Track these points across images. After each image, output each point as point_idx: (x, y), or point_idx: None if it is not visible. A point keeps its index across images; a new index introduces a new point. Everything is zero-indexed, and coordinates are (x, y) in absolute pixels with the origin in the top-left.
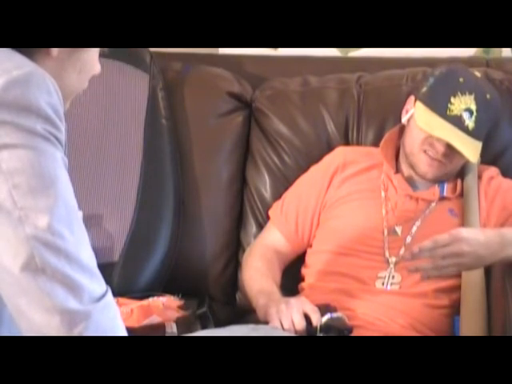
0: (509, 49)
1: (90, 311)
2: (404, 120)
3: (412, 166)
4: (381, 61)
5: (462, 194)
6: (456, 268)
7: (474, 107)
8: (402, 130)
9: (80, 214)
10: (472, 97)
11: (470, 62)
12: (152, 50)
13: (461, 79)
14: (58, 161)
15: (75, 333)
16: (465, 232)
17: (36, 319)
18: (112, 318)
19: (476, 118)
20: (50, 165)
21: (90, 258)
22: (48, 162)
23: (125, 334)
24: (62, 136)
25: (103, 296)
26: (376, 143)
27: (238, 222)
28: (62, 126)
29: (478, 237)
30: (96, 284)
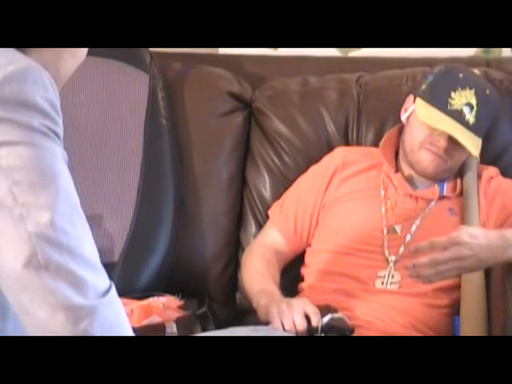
0: (509, 49)
1: (95, 306)
2: (403, 118)
3: (412, 165)
4: (381, 61)
5: (461, 193)
6: (457, 271)
7: (474, 102)
8: (402, 129)
9: None
10: (472, 91)
11: (470, 62)
12: (152, 50)
13: (460, 75)
14: (57, 156)
15: (80, 328)
16: (466, 236)
17: (40, 316)
18: (117, 313)
19: (476, 112)
20: (49, 160)
21: (93, 253)
22: (48, 158)
23: (130, 329)
24: (61, 130)
25: (108, 291)
26: (376, 143)
27: (238, 222)
28: (60, 120)
29: (479, 240)
30: (100, 279)
